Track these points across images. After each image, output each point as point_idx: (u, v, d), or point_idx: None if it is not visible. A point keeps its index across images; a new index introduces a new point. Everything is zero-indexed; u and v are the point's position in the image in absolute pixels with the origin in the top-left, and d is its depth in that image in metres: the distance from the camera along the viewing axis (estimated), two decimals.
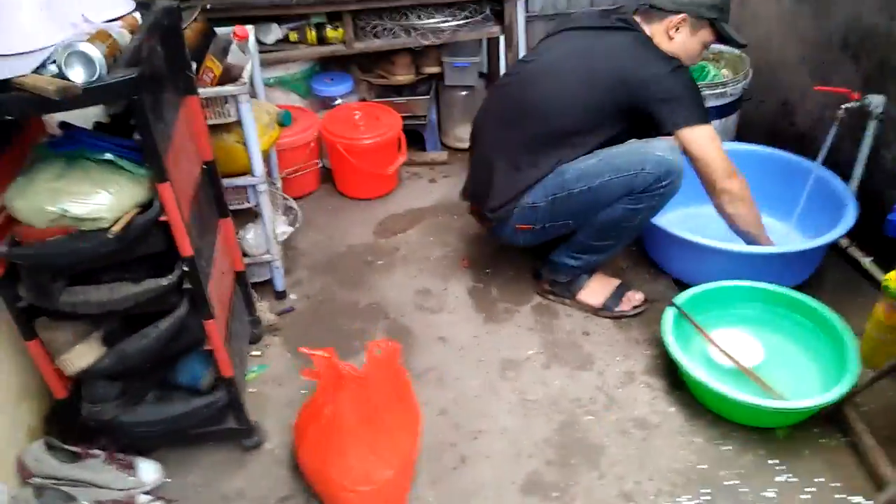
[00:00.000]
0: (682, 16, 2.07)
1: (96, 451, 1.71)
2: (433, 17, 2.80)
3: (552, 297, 2.34)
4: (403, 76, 3.02)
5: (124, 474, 1.69)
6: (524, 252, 2.46)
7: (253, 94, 2.23)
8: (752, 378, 1.89)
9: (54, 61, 1.29)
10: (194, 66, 1.82)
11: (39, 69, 1.28)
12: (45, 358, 1.60)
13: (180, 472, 1.82)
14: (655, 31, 2.11)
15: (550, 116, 2.07)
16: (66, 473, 1.66)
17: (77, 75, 1.26)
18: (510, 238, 2.23)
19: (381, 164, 2.84)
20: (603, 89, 2.02)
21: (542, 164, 2.08)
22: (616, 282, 2.32)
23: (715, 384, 1.78)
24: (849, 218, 2.17)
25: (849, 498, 1.69)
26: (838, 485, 1.72)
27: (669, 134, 2.00)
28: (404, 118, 2.97)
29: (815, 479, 1.74)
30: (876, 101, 2.19)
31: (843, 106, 2.21)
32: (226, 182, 2.03)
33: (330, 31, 2.78)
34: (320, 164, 2.91)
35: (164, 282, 1.53)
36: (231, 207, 2.03)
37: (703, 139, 2.00)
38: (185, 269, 1.53)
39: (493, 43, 3.21)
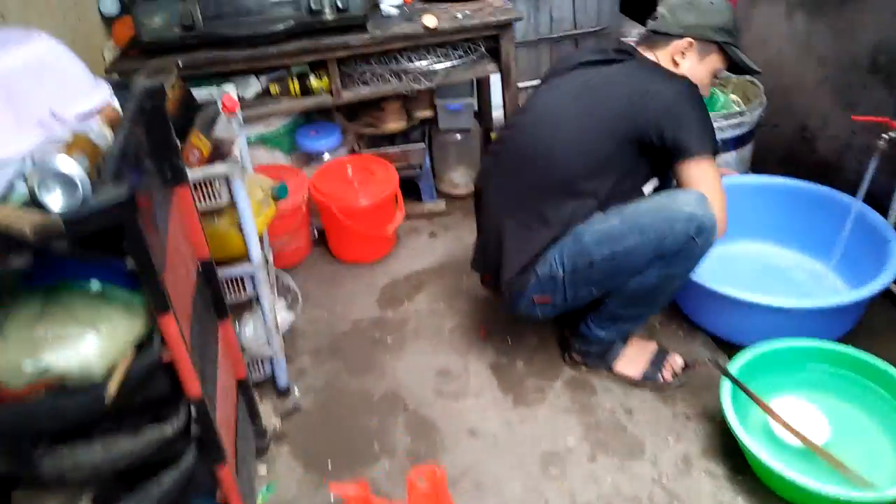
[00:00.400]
0: (687, 40, 1.88)
1: None
2: (425, 59, 2.57)
3: (585, 369, 2.12)
4: (395, 123, 2.78)
5: None
6: None
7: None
8: (825, 459, 1.69)
9: (25, 179, 1.04)
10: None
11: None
12: None
13: None
14: (660, 58, 1.93)
15: (553, 163, 1.86)
16: None
17: (55, 201, 1.00)
18: (528, 311, 1.99)
19: (379, 225, 2.59)
20: (606, 123, 1.82)
21: (552, 218, 1.86)
22: (653, 346, 2.11)
23: (796, 476, 1.57)
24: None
25: None
26: None
27: (678, 162, 1.80)
28: (398, 168, 2.73)
29: None
30: None
31: (884, 135, 2.02)
32: (220, 272, 1.76)
33: (314, 81, 2.53)
34: (314, 233, 2.64)
35: (167, 429, 1.26)
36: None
37: (709, 175, 1.79)
38: (193, 412, 1.27)
39: (481, 80, 3.00)
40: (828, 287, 2.27)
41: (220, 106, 1.68)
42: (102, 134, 1.14)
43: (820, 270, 2.33)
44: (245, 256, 1.89)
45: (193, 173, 1.67)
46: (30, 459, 1.18)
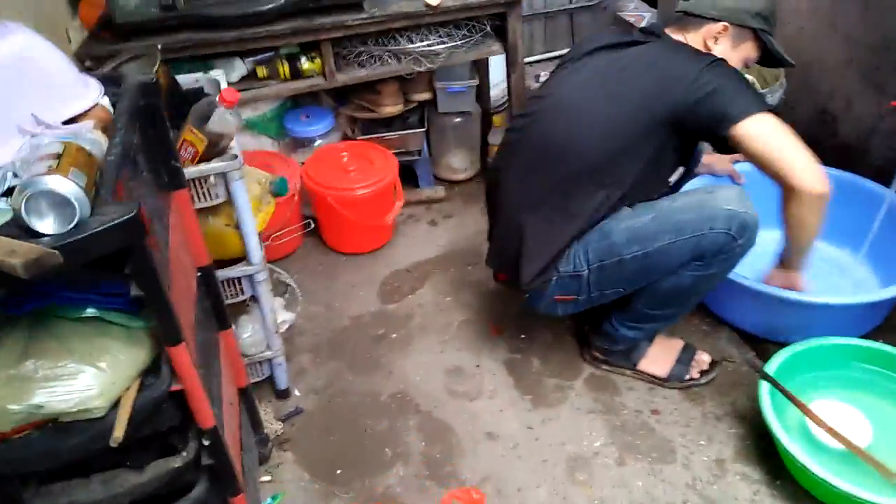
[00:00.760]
0: (722, 24, 1.75)
1: None
2: (426, 39, 2.41)
3: (607, 368, 2.02)
4: (392, 106, 2.62)
5: None
6: None
7: None
8: (869, 462, 1.60)
9: (7, 199, 0.89)
10: None
11: None
12: None
13: None
14: (690, 42, 1.79)
15: (578, 151, 1.72)
16: None
17: (47, 225, 0.86)
18: (548, 310, 1.87)
19: (377, 214, 2.45)
20: (634, 106, 1.68)
21: (577, 212, 1.74)
22: (679, 343, 2.00)
23: (845, 485, 1.48)
24: None
25: None
26: None
27: (723, 139, 1.62)
28: (395, 154, 2.58)
29: None
30: None
31: None
32: (218, 274, 1.62)
33: (306, 63, 2.36)
34: (310, 223, 2.48)
35: (176, 463, 1.13)
36: None
37: (770, 129, 1.59)
38: (206, 443, 1.14)
39: (480, 60, 2.85)
40: (856, 280, 2.17)
41: (217, 97, 1.52)
42: (96, 140, 0.98)
43: (846, 261, 2.23)
44: (242, 256, 1.75)
45: (189, 172, 1.51)
46: (18, 501, 1.04)
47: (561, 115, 1.77)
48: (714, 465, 1.75)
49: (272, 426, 1.86)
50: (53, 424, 1.00)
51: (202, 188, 1.60)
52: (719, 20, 1.76)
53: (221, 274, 1.70)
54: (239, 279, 1.76)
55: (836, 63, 2.38)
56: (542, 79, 3.34)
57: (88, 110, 1.07)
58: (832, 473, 1.49)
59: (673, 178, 1.95)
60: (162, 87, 1.60)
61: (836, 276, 2.18)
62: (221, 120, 1.56)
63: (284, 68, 2.36)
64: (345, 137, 2.72)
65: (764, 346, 2.01)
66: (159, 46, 2.11)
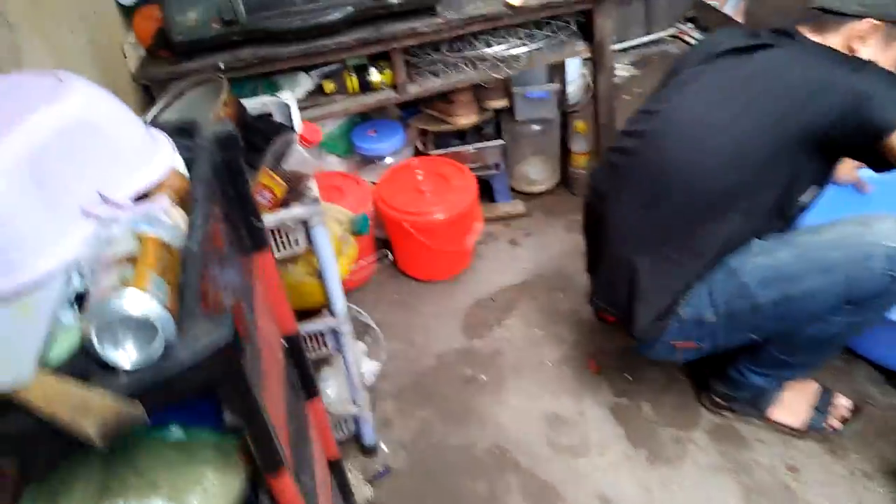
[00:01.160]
0: (869, 22, 1.46)
1: None
2: (505, 42, 2.18)
3: (731, 415, 1.78)
4: (467, 117, 2.40)
5: None
6: None
7: None
8: None
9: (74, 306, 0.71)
10: None
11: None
12: None
13: None
14: (831, 44, 1.51)
15: (702, 181, 1.47)
16: None
17: (123, 356, 0.66)
18: (663, 355, 1.65)
19: (457, 239, 2.24)
20: (767, 123, 1.42)
21: (699, 249, 1.50)
22: (813, 386, 1.76)
23: None
24: None
25: None
26: None
27: (879, 152, 1.36)
28: (472, 169, 2.36)
29: None
30: None
31: None
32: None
33: (376, 75, 2.15)
34: (387, 254, 2.28)
35: None
36: None
37: None
38: None
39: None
40: None
41: (294, 135, 1.33)
42: (175, 226, 0.79)
43: None
44: (324, 306, 1.56)
45: (266, 221, 1.32)
46: None
47: (678, 138, 1.52)
48: None
49: (361, 490, 1.68)
50: None
51: (280, 237, 1.40)
52: (866, 17, 1.49)
53: (302, 328, 1.51)
54: (322, 333, 1.57)
55: None
56: (618, 71, 3.09)
57: (162, 181, 0.87)
58: None
59: (805, 199, 1.70)
60: (224, 114, 1.42)
61: None
62: (301, 160, 1.36)
63: (353, 81, 2.16)
64: (416, 153, 2.51)
65: None
66: (221, 64, 1.96)
